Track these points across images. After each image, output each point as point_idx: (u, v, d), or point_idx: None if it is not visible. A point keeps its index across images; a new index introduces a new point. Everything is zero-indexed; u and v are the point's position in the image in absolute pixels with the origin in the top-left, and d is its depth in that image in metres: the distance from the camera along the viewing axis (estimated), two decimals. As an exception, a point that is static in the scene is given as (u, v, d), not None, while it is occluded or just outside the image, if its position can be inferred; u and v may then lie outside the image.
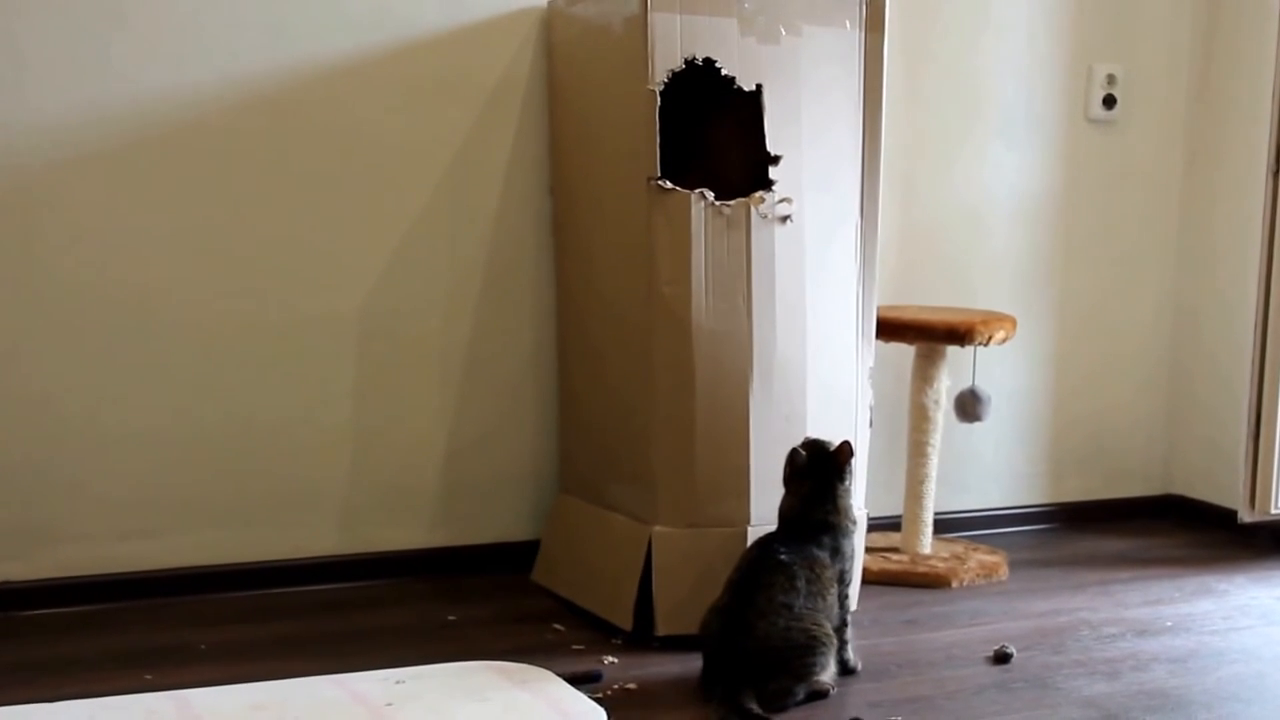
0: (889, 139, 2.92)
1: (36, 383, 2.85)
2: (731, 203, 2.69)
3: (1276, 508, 3.54)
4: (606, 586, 2.84)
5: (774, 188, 2.71)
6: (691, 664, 2.51)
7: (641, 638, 2.72)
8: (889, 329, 3.13)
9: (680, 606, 2.64)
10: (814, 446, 2.57)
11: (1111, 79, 3.71)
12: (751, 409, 2.71)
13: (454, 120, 3.10)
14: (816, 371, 2.77)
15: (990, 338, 3.18)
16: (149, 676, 2.48)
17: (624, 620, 2.75)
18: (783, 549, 2.47)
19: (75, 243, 2.86)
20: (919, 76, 3.49)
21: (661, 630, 2.69)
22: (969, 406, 3.32)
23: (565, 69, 3.06)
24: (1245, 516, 3.57)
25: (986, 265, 3.64)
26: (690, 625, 2.51)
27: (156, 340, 2.93)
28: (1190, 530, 3.75)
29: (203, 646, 2.68)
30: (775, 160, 2.72)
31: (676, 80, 2.66)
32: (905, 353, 3.30)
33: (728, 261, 2.69)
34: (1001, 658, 2.68)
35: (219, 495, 3.01)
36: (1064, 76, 3.67)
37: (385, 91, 3.04)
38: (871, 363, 2.91)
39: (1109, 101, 3.71)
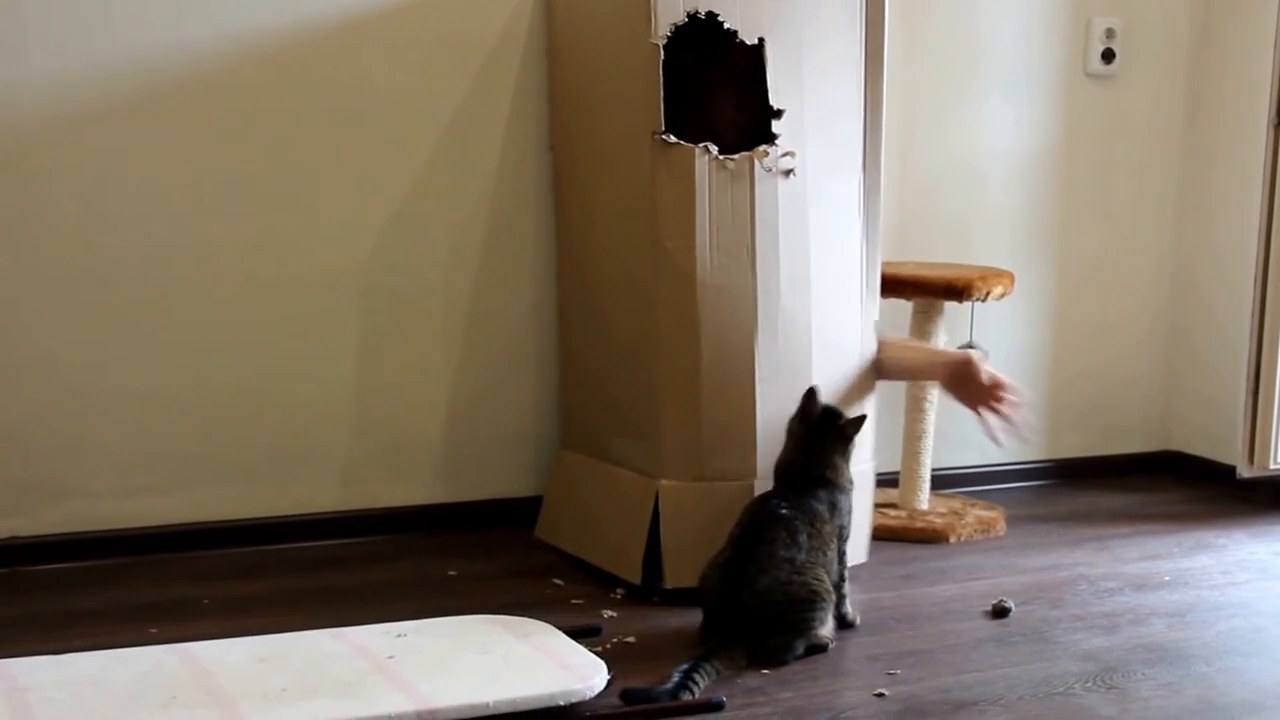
0: (888, 94, 2.91)
1: (40, 340, 2.86)
2: (735, 156, 2.68)
3: (1275, 463, 3.55)
4: (612, 541, 2.85)
5: (777, 141, 2.70)
6: (691, 618, 2.52)
7: (645, 591, 2.73)
8: (887, 285, 3.10)
9: (687, 559, 2.64)
10: (829, 409, 2.58)
11: (1110, 33, 3.69)
12: (757, 363, 2.71)
13: (454, 76, 3.08)
14: (821, 325, 2.77)
15: (988, 293, 3.18)
16: (154, 630, 2.50)
17: (632, 574, 2.76)
18: (783, 504, 2.48)
19: (77, 201, 2.85)
20: (917, 32, 3.47)
21: (669, 583, 2.70)
22: (967, 362, 3.32)
23: (565, 24, 3.04)
24: (1244, 472, 3.59)
25: (985, 221, 3.64)
26: (697, 578, 2.52)
27: (159, 297, 2.93)
28: (1188, 486, 3.76)
29: (206, 601, 2.69)
30: (778, 114, 2.71)
31: (678, 34, 2.65)
32: (903, 308, 3.30)
33: (731, 216, 2.68)
34: (1000, 612, 2.69)
35: (222, 452, 3.01)
36: (1063, 30, 3.65)
37: (385, 48, 3.02)
38: (876, 316, 2.91)
39: (1108, 55, 3.70)
